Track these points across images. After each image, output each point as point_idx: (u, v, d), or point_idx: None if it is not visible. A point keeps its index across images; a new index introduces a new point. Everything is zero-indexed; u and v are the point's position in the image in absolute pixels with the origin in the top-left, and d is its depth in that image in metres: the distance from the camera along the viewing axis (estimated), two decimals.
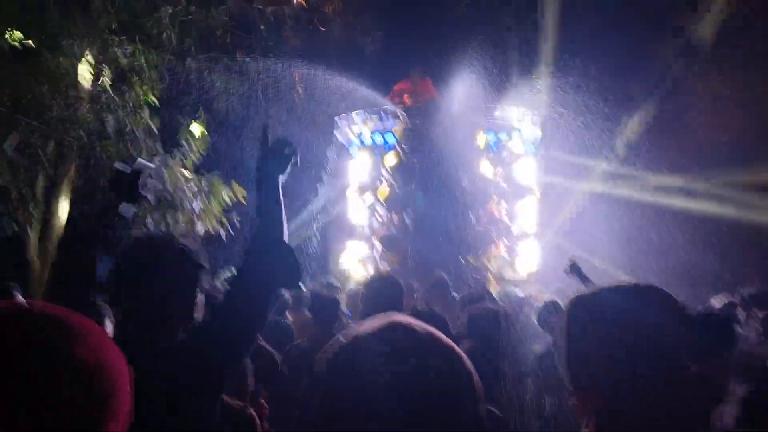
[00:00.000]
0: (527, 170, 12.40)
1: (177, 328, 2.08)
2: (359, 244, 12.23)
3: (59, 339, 0.99)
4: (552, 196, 13.48)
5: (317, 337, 4.51)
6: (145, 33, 6.97)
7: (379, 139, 12.32)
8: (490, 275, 11.56)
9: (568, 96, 12.44)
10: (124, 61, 6.65)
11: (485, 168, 11.99)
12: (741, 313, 5.95)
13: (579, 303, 1.59)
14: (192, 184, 7.06)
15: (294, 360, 4.41)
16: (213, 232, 7.29)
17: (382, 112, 12.29)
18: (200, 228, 7.19)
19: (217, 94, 8.29)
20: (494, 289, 11.22)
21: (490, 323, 4.11)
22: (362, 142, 12.39)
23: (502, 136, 12.31)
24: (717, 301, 6.28)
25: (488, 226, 11.88)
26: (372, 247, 12.20)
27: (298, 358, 4.37)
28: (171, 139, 7.44)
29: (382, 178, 12.29)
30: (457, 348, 1.13)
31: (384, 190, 12.08)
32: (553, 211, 13.82)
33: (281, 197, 2.24)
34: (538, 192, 12.37)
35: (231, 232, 7.39)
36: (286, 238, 2.20)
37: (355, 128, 12.45)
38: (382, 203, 12.12)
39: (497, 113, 12.21)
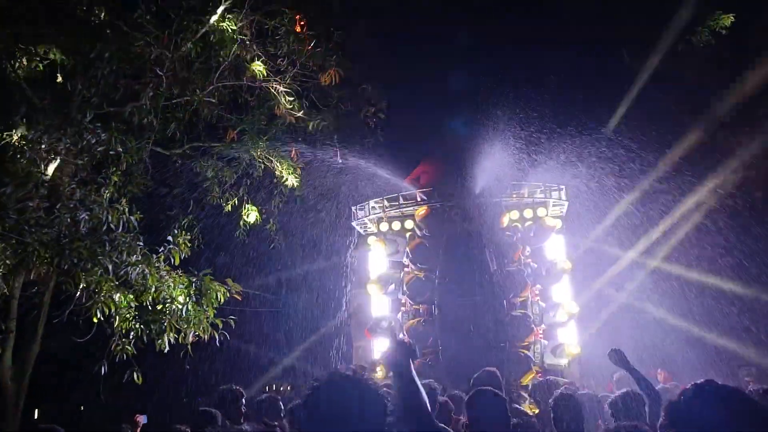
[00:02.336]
0: (557, 248, 10.87)
1: None
2: (384, 341, 10.62)
3: None
4: (584, 272, 11.97)
5: None
6: (123, 120, 5.90)
7: (397, 226, 10.99)
8: (531, 364, 9.74)
9: (595, 170, 11.09)
10: (99, 149, 5.48)
11: (513, 248, 10.43)
12: None
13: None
14: (181, 284, 5.69)
15: None
16: (204, 338, 5.80)
17: (401, 198, 11.04)
18: (191, 335, 5.72)
19: (208, 183, 7.06)
20: (533, 378, 9.53)
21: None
22: (381, 231, 11.08)
23: (527, 213, 10.86)
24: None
25: (523, 311, 10.17)
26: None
27: None
28: (155, 234, 6.17)
29: (404, 267, 10.86)
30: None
31: (407, 280, 10.57)
32: (588, 289, 12.24)
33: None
34: (570, 270, 10.70)
35: (227, 336, 5.87)
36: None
37: (374, 216, 11.18)
38: (405, 294, 10.60)
39: (523, 191, 10.84)
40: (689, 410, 2.02)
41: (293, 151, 7.04)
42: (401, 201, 10.93)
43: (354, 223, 11.28)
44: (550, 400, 4.56)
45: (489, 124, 11.01)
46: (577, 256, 11.44)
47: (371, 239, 11.00)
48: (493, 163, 10.95)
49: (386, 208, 10.92)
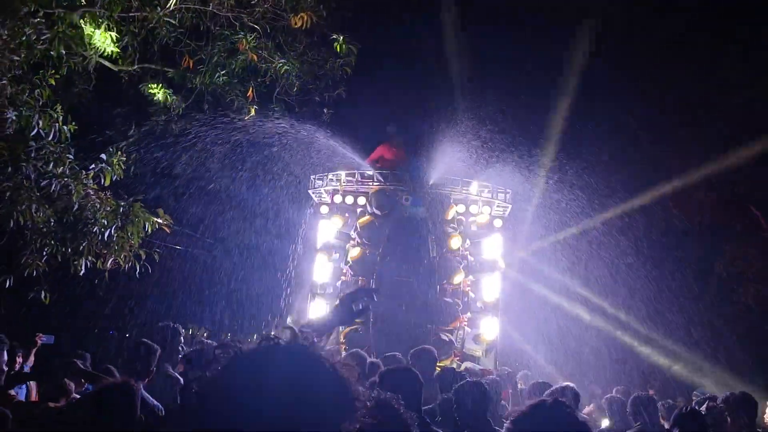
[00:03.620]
0: (494, 245, 10.46)
1: None
2: (322, 304, 10.04)
3: None
4: (515, 272, 11.75)
5: None
6: (72, 24, 4.96)
7: (350, 201, 10.36)
8: (452, 348, 9.32)
9: (540, 179, 10.74)
10: (39, 47, 4.53)
11: (454, 240, 10.03)
12: None
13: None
14: (107, 207, 4.81)
15: None
16: (124, 267, 4.94)
17: (358, 175, 10.44)
18: (110, 262, 4.86)
19: (153, 108, 6.10)
20: (451, 362, 9.16)
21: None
22: (335, 202, 10.44)
23: (473, 209, 10.43)
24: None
25: (454, 298, 9.77)
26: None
27: None
28: (89, 149, 5.25)
29: (351, 239, 10.28)
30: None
31: (352, 251, 10.03)
32: (515, 287, 11.98)
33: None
34: (502, 267, 10.41)
35: (148, 268, 5.03)
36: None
37: (330, 188, 10.53)
38: (349, 265, 10.05)
39: (471, 187, 10.42)
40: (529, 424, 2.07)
41: (249, 91, 6.20)
42: (358, 178, 10.38)
43: (310, 191, 10.62)
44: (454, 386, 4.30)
45: (455, 120, 10.52)
46: (511, 256, 11.13)
47: (324, 208, 10.38)
48: (450, 158, 10.55)
49: (343, 182, 10.35)
